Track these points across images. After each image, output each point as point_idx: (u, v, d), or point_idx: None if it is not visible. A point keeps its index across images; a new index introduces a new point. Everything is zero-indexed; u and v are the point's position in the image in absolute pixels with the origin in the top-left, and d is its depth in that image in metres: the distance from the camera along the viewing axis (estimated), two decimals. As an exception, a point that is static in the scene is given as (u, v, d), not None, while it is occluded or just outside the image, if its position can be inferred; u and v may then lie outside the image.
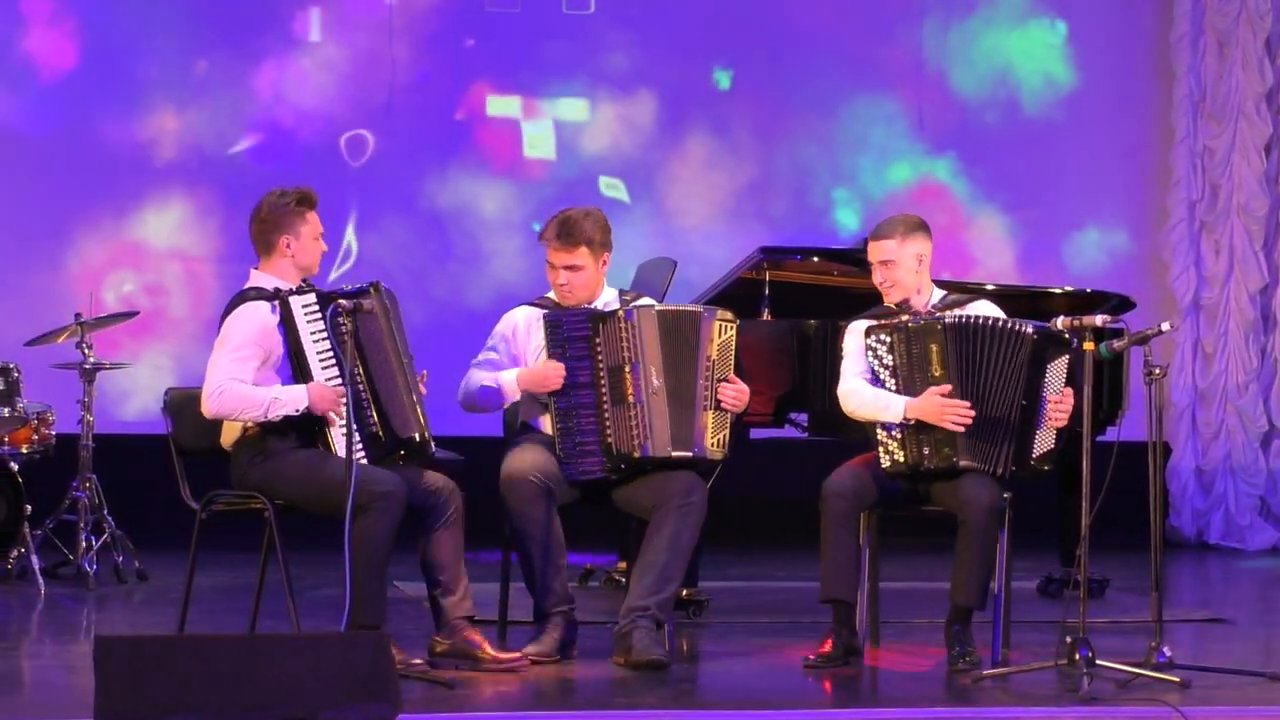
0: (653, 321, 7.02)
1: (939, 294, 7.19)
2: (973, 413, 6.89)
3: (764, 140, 11.25)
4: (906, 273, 7.08)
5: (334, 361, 6.68)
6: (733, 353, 7.08)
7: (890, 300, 7.13)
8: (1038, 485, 7.23)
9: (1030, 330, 6.92)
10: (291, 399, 6.65)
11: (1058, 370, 6.97)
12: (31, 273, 10.57)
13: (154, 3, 10.77)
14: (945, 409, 6.90)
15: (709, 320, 7.07)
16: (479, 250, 11.03)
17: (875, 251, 7.11)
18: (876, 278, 7.12)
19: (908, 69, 11.33)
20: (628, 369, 6.99)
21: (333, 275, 10.57)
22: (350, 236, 10.84)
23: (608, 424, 6.98)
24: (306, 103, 10.87)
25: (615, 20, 11.12)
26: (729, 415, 7.08)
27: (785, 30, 11.20)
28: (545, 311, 7.07)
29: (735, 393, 7.07)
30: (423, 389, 6.84)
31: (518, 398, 7.08)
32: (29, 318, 10.00)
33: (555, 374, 6.97)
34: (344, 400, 6.54)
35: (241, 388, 6.64)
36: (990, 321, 6.99)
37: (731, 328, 7.09)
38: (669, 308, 7.17)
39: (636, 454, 6.97)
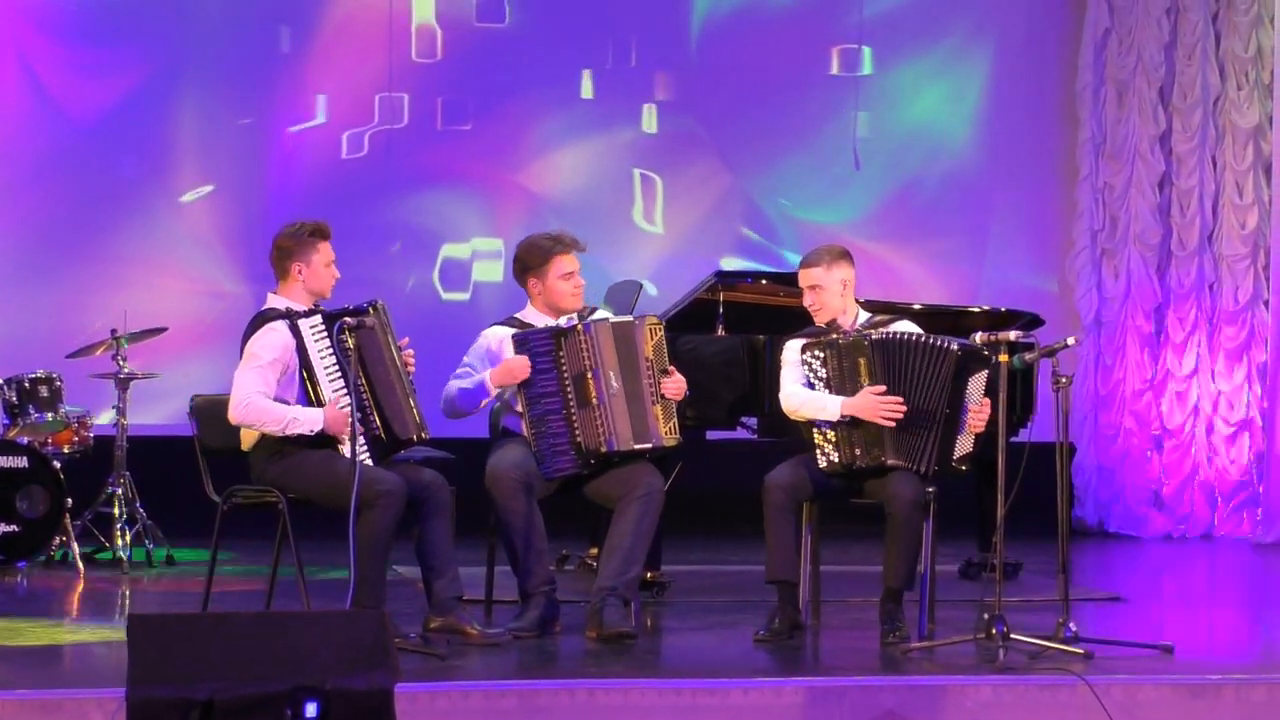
0: (608, 332, 7.06)
1: (864, 315, 7.21)
2: (904, 407, 6.91)
3: (722, 178, 11.25)
4: (832, 296, 7.10)
5: (339, 374, 6.69)
6: (665, 349, 7.12)
7: (819, 320, 7.13)
8: (959, 479, 7.24)
9: (955, 347, 6.93)
10: (308, 420, 6.64)
11: (978, 383, 6.98)
12: (72, 293, 10.52)
13: (173, 35, 10.71)
14: (879, 405, 6.91)
15: (640, 327, 7.11)
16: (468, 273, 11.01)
17: (804, 278, 7.13)
18: (806, 300, 7.13)
19: (845, 118, 11.32)
20: (590, 375, 7.01)
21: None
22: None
23: (576, 425, 7.00)
24: (315, 140, 10.85)
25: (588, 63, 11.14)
26: (673, 403, 7.12)
27: (739, 86, 11.20)
28: (514, 331, 7.10)
29: (674, 383, 7.11)
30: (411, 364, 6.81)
31: (493, 394, 7.09)
32: (70, 333, 9.97)
33: (520, 366, 6.99)
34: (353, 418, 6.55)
35: (266, 403, 6.64)
36: (918, 338, 7.01)
37: (660, 329, 7.13)
38: (617, 319, 7.21)
39: (603, 449, 7.00)
